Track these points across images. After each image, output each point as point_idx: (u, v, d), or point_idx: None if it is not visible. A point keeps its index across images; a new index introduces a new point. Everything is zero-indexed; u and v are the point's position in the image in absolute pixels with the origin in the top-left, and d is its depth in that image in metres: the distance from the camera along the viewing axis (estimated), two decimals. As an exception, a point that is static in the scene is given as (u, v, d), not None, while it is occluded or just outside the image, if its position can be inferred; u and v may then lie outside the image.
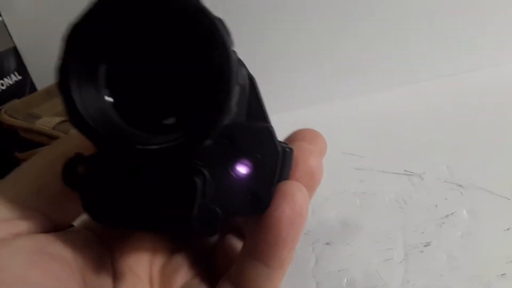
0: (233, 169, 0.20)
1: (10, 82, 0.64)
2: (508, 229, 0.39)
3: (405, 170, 0.48)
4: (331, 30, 0.61)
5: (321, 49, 0.63)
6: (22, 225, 0.20)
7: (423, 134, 0.54)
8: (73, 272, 0.21)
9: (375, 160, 0.51)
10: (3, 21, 0.65)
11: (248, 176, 0.20)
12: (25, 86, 0.68)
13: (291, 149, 0.21)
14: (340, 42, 0.62)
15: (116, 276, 0.23)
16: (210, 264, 0.26)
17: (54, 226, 0.22)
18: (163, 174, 0.19)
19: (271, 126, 0.20)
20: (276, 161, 0.20)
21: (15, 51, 0.67)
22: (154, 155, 0.16)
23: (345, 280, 0.37)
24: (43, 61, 0.68)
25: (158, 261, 0.26)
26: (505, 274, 0.35)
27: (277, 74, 0.64)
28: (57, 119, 0.51)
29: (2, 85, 0.63)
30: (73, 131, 0.22)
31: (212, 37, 0.15)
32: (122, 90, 0.18)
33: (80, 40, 0.16)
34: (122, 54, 0.17)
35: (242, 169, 0.20)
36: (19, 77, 0.66)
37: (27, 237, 0.20)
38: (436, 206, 0.43)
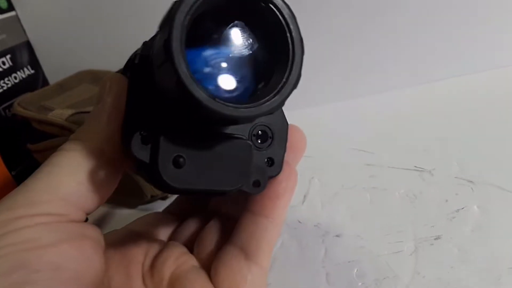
0: (254, 139, 0.23)
1: (23, 76, 0.65)
2: (519, 224, 0.39)
3: (415, 166, 0.48)
4: (342, 30, 0.62)
5: (332, 48, 0.63)
6: (63, 218, 0.21)
7: (434, 131, 0.54)
8: (100, 253, 0.22)
9: (386, 156, 0.51)
10: (16, 16, 0.66)
11: (266, 145, 0.23)
12: (37, 80, 0.68)
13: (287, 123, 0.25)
14: (350, 42, 0.63)
15: (108, 275, 0.25)
16: (197, 251, 0.28)
17: (85, 216, 0.23)
18: (219, 138, 0.22)
19: None
20: (286, 132, 0.24)
21: (28, 45, 0.67)
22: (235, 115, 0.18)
23: (355, 271, 0.37)
24: (56, 55, 0.69)
25: (149, 258, 0.27)
26: (516, 267, 0.35)
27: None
28: (70, 111, 0.52)
29: (15, 78, 0.64)
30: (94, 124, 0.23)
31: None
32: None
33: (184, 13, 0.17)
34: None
35: (262, 140, 0.23)
36: (32, 71, 0.67)
37: (65, 222, 0.21)
38: (446, 201, 0.43)
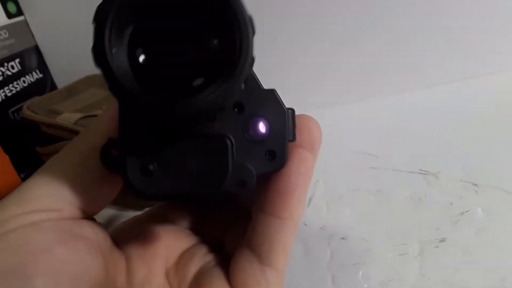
0: (248, 133, 0.21)
1: (32, 80, 0.66)
2: (523, 227, 0.39)
3: (420, 169, 0.49)
4: (348, 33, 0.62)
5: (337, 51, 0.64)
6: (55, 214, 0.21)
7: (439, 134, 0.55)
8: (97, 254, 0.22)
9: (390, 160, 0.51)
10: (25, 20, 0.67)
11: (263, 137, 0.21)
12: (46, 84, 0.69)
13: (293, 110, 0.22)
14: (355, 44, 0.63)
15: (129, 270, 0.25)
16: (222, 251, 0.28)
17: (83, 215, 0.23)
18: (193, 139, 0.20)
19: (275, 89, 0.22)
20: (285, 120, 0.22)
21: (36, 49, 0.68)
22: (189, 114, 0.17)
23: (361, 273, 0.37)
24: (64, 60, 0.70)
25: (173, 255, 0.27)
26: (520, 270, 0.35)
27: (294, 77, 0.65)
28: (78, 115, 0.53)
29: (24, 82, 0.64)
30: (95, 121, 0.23)
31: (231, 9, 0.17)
32: (149, 52, 0.18)
33: (111, 7, 0.16)
34: (148, 17, 0.17)
35: (257, 131, 0.21)
36: (40, 75, 0.68)
37: (56, 221, 0.21)
38: (451, 204, 0.43)
